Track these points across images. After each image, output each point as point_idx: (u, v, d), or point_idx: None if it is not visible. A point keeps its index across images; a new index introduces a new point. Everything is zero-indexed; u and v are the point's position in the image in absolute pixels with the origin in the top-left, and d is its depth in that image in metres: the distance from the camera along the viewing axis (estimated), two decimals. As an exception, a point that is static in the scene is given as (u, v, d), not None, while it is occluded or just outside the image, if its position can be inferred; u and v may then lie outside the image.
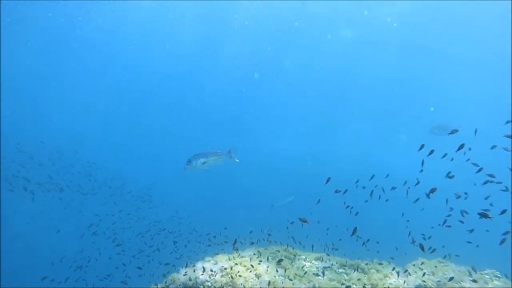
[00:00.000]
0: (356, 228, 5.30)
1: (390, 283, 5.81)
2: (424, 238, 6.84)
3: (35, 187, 13.88)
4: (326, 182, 6.07)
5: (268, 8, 21.14)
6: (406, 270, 6.57)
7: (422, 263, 6.67)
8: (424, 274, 6.01)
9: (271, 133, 34.91)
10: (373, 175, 7.13)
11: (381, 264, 6.66)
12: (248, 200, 22.03)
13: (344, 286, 5.56)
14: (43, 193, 14.02)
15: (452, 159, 6.16)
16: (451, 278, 5.68)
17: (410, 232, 6.60)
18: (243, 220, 6.99)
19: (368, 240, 6.63)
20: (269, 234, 7.29)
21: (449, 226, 6.33)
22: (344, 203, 6.93)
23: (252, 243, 6.96)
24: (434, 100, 28.40)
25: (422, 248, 4.95)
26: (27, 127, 25.88)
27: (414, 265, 6.87)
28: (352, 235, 5.36)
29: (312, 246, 7.16)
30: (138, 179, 19.92)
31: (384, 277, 6.12)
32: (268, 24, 22.93)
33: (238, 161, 7.87)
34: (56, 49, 26.13)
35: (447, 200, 6.71)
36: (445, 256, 6.56)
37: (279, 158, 29.67)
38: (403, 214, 8.00)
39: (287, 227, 6.46)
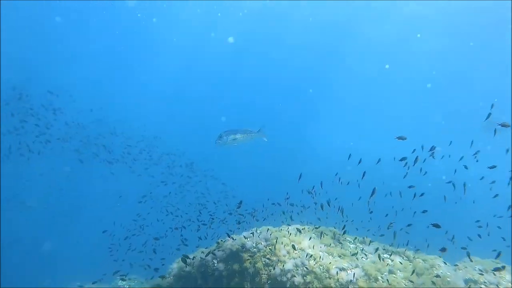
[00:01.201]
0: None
1: (437, 274, 5.68)
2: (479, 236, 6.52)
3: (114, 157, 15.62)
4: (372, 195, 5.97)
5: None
6: (456, 265, 6.35)
7: (474, 261, 6.39)
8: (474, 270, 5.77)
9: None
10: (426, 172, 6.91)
11: (429, 255, 6.50)
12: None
13: (387, 269, 5.56)
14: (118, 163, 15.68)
15: None
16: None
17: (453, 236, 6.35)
18: (293, 196, 7.19)
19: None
20: (318, 219, 7.43)
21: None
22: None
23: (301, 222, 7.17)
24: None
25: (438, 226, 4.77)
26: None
27: (464, 261, 6.61)
28: (389, 225, 5.32)
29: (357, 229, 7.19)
30: (193, 153, 21.10)
31: (431, 267, 5.99)
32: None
33: (266, 140, 8.11)
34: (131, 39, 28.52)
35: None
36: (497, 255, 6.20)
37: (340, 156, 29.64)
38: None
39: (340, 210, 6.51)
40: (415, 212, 6.98)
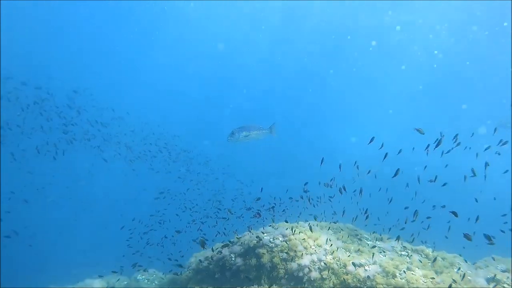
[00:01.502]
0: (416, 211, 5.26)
1: (457, 272, 5.59)
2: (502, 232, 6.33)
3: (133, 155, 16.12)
4: (394, 175, 5.88)
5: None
6: (475, 263, 6.24)
7: (494, 259, 6.26)
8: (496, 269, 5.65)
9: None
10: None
11: (449, 254, 6.39)
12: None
13: (406, 266, 5.52)
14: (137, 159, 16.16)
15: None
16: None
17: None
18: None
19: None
20: (334, 213, 7.44)
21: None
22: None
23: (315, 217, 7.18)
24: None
25: (469, 238, 4.61)
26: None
27: (485, 260, 6.47)
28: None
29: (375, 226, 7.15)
30: (209, 152, 21.44)
31: (450, 265, 5.90)
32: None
33: (276, 136, 8.21)
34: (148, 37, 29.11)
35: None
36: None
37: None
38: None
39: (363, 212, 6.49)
40: (434, 206, 6.89)
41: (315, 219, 7.04)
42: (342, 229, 7.03)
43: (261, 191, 7.08)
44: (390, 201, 6.83)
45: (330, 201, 7.14)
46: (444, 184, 6.39)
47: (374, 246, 6.42)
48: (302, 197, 7.08)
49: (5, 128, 13.88)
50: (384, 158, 5.84)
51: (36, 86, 15.43)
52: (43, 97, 14.10)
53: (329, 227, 7.15)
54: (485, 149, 6.05)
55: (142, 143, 17.38)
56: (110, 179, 22.45)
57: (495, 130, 6.21)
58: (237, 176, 17.24)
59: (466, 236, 4.44)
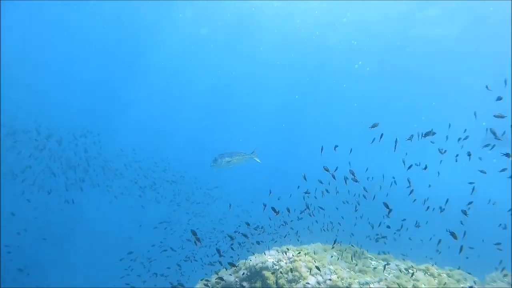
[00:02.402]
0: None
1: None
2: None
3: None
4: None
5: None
6: (485, 279, 6.21)
7: (505, 275, 6.22)
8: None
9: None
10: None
11: (454, 270, 6.36)
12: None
13: (412, 284, 5.50)
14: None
15: None
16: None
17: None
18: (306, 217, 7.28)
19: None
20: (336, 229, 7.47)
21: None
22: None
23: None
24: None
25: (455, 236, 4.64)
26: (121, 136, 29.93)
27: (493, 275, 6.44)
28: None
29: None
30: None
31: (457, 282, 5.87)
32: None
33: (259, 161, 8.36)
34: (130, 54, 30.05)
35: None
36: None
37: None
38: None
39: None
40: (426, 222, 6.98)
41: (320, 244, 7.09)
42: (345, 250, 7.02)
43: (262, 228, 7.16)
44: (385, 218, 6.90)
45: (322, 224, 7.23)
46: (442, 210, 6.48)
47: (378, 266, 6.41)
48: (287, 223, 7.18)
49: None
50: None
51: (47, 135, 15.90)
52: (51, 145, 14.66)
53: (333, 247, 7.16)
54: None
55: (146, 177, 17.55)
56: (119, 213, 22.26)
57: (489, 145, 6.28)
58: (236, 201, 17.25)
59: (452, 235, 4.53)
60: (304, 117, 36.63)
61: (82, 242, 20.32)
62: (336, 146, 6.36)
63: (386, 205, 5.05)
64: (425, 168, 6.03)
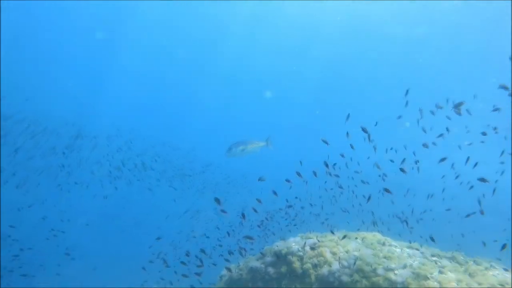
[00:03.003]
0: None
1: (493, 275, 5.51)
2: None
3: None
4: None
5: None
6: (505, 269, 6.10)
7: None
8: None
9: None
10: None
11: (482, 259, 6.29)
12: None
13: (437, 270, 5.51)
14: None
15: None
16: None
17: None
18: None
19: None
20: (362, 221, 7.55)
21: None
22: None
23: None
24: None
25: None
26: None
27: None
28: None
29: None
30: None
31: (485, 269, 5.81)
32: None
33: (272, 149, 8.49)
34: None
35: None
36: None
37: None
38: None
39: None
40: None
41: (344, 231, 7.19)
42: (369, 238, 7.08)
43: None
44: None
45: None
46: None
47: (402, 253, 6.43)
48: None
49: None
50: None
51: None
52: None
53: (356, 237, 7.23)
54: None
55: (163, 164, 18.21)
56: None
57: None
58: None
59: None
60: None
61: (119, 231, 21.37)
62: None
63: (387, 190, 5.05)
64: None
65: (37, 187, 16.62)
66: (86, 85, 33.52)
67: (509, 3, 16.30)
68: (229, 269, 6.69)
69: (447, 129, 5.88)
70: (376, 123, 6.29)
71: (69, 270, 14.73)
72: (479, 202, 5.33)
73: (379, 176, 6.81)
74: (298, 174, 6.56)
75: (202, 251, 8.92)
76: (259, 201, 6.24)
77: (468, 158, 6.34)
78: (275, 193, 6.49)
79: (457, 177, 7.30)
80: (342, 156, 6.49)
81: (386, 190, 5.33)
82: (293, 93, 36.59)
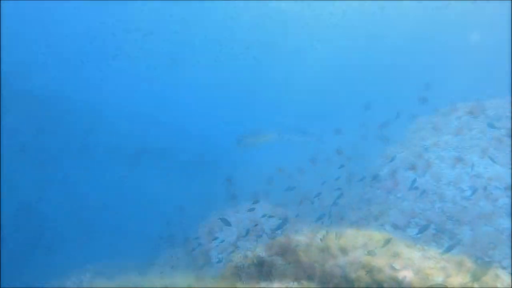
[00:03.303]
0: None
1: (499, 278, 5.46)
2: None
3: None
4: None
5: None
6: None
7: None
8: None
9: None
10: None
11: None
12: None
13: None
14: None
15: None
16: None
17: None
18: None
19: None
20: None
21: None
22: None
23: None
24: None
25: None
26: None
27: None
28: None
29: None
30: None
31: (496, 277, 5.75)
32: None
33: (281, 140, 8.53)
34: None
35: None
36: None
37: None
38: None
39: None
40: None
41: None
42: (376, 235, 7.11)
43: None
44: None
45: None
46: None
47: (411, 252, 6.43)
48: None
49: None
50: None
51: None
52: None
53: (363, 234, 7.28)
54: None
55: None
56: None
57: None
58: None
59: None
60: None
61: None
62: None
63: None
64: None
65: (58, 167, 17.36)
66: (103, 71, 34.11)
67: (509, 3, 15.95)
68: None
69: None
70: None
71: (88, 247, 15.43)
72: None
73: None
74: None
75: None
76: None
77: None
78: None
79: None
80: None
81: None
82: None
